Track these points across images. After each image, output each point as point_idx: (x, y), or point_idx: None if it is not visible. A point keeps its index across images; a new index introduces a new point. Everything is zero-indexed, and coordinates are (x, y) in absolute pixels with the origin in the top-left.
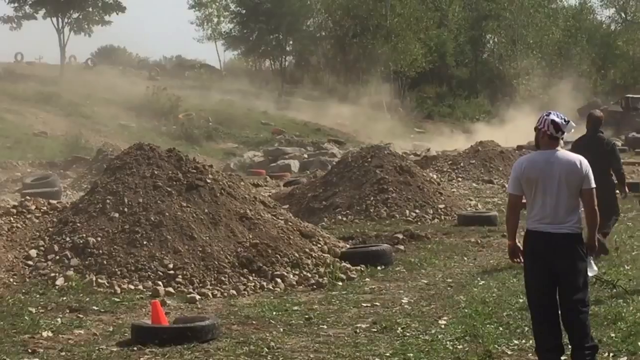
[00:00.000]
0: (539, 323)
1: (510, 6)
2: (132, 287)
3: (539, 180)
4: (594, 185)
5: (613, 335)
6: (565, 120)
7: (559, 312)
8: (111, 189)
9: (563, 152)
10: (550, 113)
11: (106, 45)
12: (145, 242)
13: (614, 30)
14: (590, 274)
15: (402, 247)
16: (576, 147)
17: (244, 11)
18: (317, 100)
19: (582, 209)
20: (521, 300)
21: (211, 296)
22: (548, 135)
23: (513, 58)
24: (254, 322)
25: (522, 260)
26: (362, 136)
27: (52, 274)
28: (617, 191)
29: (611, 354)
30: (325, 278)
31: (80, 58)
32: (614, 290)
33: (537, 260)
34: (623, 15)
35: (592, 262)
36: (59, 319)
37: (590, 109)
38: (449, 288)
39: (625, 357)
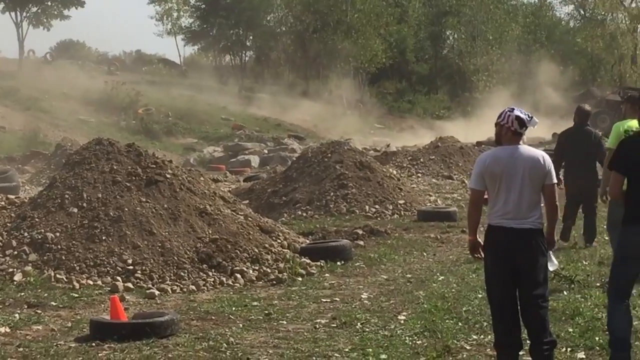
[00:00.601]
0: (499, 318)
1: (470, 2)
2: (91, 282)
3: (502, 175)
4: (555, 180)
5: (571, 330)
6: (529, 116)
7: (519, 307)
8: (70, 184)
9: (526, 148)
10: (513, 109)
11: (65, 39)
12: (104, 238)
13: (572, 27)
14: (550, 268)
15: (361, 242)
16: (563, 138)
17: (204, 6)
18: (277, 96)
19: (543, 204)
20: (480, 296)
21: (170, 292)
22: (512, 131)
23: (473, 54)
24: (213, 317)
25: (483, 256)
26: (322, 132)
27: (10, 270)
28: None
29: (569, 349)
30: (284, 273)
31: (39, 52)
32: (572, 286)
33: (498, 255)
34: (582, 12)
35: (552, 256)
36: (16, 315)
37: (586, 98)
38: (408, 283)
39: (583, 352)
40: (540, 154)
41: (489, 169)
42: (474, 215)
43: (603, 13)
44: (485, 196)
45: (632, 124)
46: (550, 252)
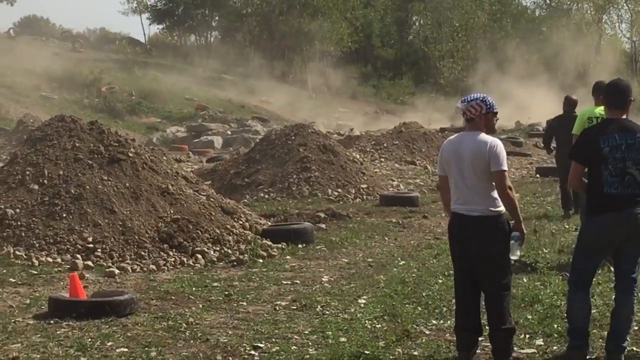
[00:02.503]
0: (459, 302)
1: None
2: (51, 259)
3: (451, 162)
4: (504, 167)
5: (530, 317)
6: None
7: (479, 293)
8: (31, 160)
9: (476, 134)
10: (474, 96)
11: (29, 15)
12: (64, 215)
13: (538, 15)
14: (512, 257)
15: (323, 225)
16: (555, 122)
17: None
18: (242, 77)
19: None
20: (440, 281)
21: (130, 271)
22: (465, 118)
23: (438, 40)
24: (173, 297)
25: None
26: (287, 114)
27: None
28: None
29: (527, 336)
30: (246, 255)
31: (1, 28)
32: (532, 273)
33: (454, 241)
34: (548, 1)
35: (515, 245)
36: None
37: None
38: (369, 267)
39: (542, 339)
40: (487, 140)
41: (443, 155)
42: (443, 200)
43: (568, 3)
44: None
45: (597, 110)
46: (514, 240)
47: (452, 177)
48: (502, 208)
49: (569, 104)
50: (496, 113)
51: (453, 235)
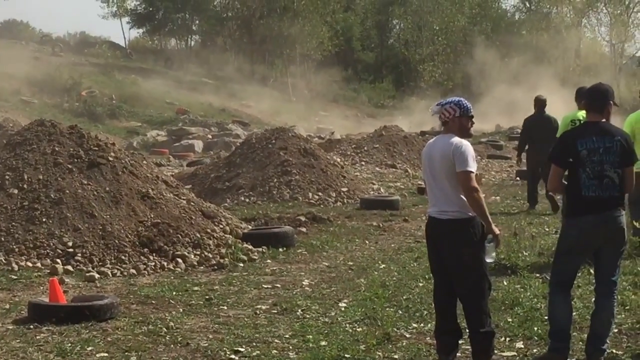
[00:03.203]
0: (436, 305)
1: None
2: (30, 264)
3: (424, 164)
4: (469, 168)
5: (510, 320)
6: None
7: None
8: (10, 164)
9: (448, 137)
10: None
11: (8, 19)
12: (44, 220)
13: (518, 19)
14: (488, 260)
15: (304, 229)
16: (528, 122)
17: None
18: (222, 81)
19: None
20: (421, 285)
21: (111, 275)
22: (440, 121)
23: (419, 44)
24: (153, 301)
25: None
26: (267, 118)
27: None
28: None
29: (508, 339)
30: (226, 259)
31: None
32: (512, 276)
33: (429, 244)
34: (527, 4)
35: (489, 248)
36: None
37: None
38: (349, 271)
39: (522, 342)
40: (453, 142)
41: (422, 157)
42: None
43: (548, 6)
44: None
45: (580, 114)
46: (488, 243)
47: (426, 180)
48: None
49: (540, 104)
50: (472, 117)
51: (428, 238)
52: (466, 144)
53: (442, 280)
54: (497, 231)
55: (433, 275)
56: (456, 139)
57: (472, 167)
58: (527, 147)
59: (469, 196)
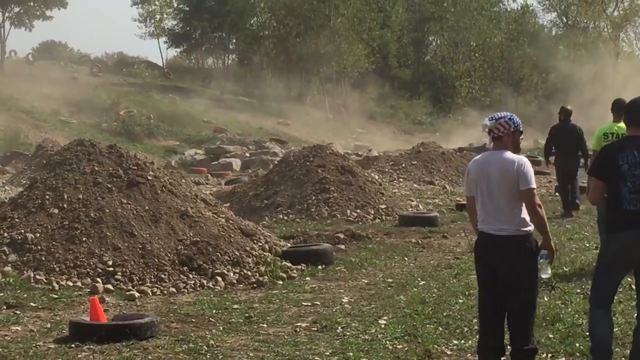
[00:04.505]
0: (483, 322)
1: (454, 8)
2: (71, 283)
3: (477, 180)
4: (532, 185)
5: (551, 336)
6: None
7: (504, 313)
8: (51, 184)
9: (503, 153)
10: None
11: (47, 40)
12: (84, 239)
13: (555, 34)
14: (542, 276)
15: (343, 246)
16: (554, 130)
17: (187, 8)
18: (259, 99)
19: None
20: (461, 301)
21: (150, 294)
22: (491, 137)
23: (455, 60)
24: (193, 320)
25: None
26: (304, 135)
27: None
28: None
29: (549, 355)
30: (265, 277)
31: (20, 53)
32: (553, 292)
33: (480, 260)
34: (564, 19)
35: (545, 264)
36: None
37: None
38: (389, 288)
39: (564, 358)
40: (514, 159)
41: (469, 175)
42: (471, 221)
43: (585, 21)
44: None
45: (615, 127)
46: (542, 259)
47: (479, 196)
48: (530, 227)
49: (565, 113)
50: (522, 132)
51: (479, 255)
52: (528, 162)
53: (493, 297)
54: (553, 248)
55: (481, 292)
56: (516, 156)
57: (534, 184)
58: (551, 162)
59: (533, 213)
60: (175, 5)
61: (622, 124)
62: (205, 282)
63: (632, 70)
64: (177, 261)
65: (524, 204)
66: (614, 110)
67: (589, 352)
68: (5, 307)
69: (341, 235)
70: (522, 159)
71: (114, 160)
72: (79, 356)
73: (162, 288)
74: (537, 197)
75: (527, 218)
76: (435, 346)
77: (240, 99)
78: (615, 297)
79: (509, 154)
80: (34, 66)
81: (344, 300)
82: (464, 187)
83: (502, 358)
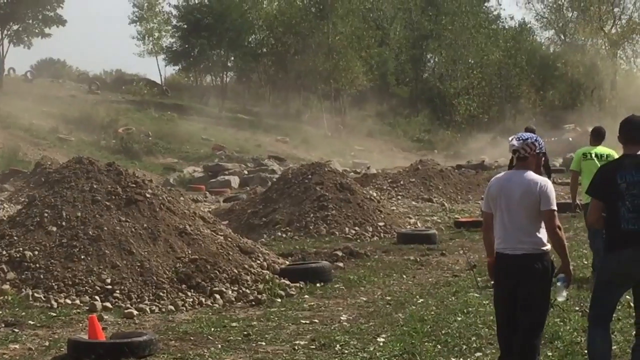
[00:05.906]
0: (502, 342)
1: (451, 26)
2: (69, 301)
3: (497, 198)
4: (554, 207)
5: (550, 354)
6: (517, 139)
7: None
8: (49, 202)
9: (525, 173)
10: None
11: (46, 58)
12: (83, 257)
13: (553, 51)
14: (559, 299)
15: (341, 264)
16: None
17: (186, 26)
18: (257, 117)
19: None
20: (459, 319)
21: (149, 312)
22: (514, 156)
23: (453, 77)
24: (191, 338)
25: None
26: (303, 153)
27: None
28: None
29: None
30: (264, 294)
31: (19, 70)
32: (552, 309)
33: (499, 283)
34: (562, 37)
35: (561, 286)
36: None
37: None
38: (387, 306)
39: None
40: (537, 180)
41: (490, 192)
42: (485, 238)
43: (583, 39)
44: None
45: (588, 148)
46: (560, 282)
47: (498, 214)
48: (547, 247)
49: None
50: (545, 154)
51: (499, 278)
52: (550, 183)
53: (509, 316)
54: (571, 271)
55: (497, 308)
56: (539, 177)
57: (555, 206)
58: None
59: (553, 234)
60: (174, 23)
61: (599, 148)
62: (203, 299)
63: (630, 86)
64: (175, 279)
65: (542, 224)
66: (593, 137)
67: None
68: (3, 325)
69: (339, 253)
70: (545, 180)
71: (113, 178)
72: None
73: (160, 306)
74: (557, 218)
75: (545, 238)
76: None
77: (239, 117)
78: (614, 315)
79: (532, 175)
80: (33, 84)
81: (342, 318)
82: (483, 203)
83: None
